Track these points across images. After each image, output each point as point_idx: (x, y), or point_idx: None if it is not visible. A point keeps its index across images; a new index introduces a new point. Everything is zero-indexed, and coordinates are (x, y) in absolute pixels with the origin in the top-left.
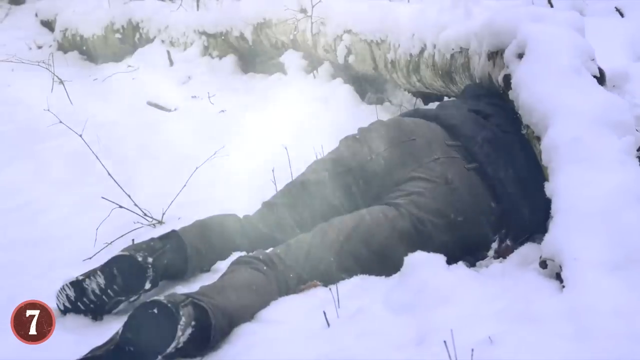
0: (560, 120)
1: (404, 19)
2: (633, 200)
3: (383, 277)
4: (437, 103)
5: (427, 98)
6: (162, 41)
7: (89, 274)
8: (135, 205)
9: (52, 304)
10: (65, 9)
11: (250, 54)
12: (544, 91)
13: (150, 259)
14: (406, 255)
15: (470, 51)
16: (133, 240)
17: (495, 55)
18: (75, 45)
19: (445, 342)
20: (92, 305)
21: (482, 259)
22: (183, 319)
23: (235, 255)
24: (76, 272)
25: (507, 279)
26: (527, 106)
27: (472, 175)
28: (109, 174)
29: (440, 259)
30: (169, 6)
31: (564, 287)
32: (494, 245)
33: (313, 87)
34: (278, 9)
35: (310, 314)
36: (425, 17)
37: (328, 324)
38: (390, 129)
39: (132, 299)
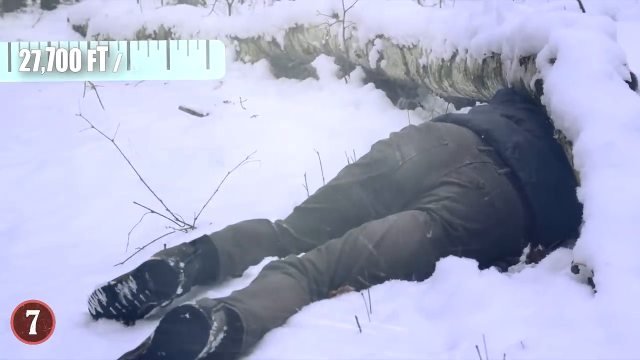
0: (592, 125)
1: (436, 24)
2: None
3: (415, 282)
4: (469, 108)
5: (459, 103)
6: None
7: (121, 279)
8: (167, 210)
9: (84, 309)
10: (96, 13)
11: (282, 58)
12: (576, 96)
13: (182, 264)
14: (438, 260)
15: (502, 56)
16: (165, 245)
17: (527, 60)
18: None
19: (477, 347)
20: (124, 310)
21: (514, 263)
22: (215, 324)
23: (267, 260)
24: (108, 277)
25: (538, 283)
26: (559, 111)
27: (503, 180)
28: (141, 179)
29: (472, 263)
30: (201, 11)
31: (595, 292)
32: (526, 250)
33: (345, 92)
34: (310, 13)
35: (342, 318)
36: (457, 22)
37: (360, 329)
38: (422, 133)
39: (164, 304)
